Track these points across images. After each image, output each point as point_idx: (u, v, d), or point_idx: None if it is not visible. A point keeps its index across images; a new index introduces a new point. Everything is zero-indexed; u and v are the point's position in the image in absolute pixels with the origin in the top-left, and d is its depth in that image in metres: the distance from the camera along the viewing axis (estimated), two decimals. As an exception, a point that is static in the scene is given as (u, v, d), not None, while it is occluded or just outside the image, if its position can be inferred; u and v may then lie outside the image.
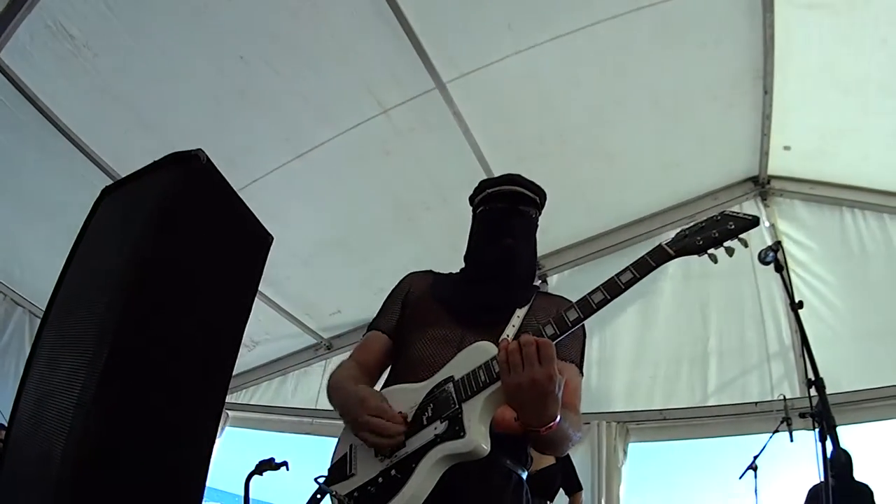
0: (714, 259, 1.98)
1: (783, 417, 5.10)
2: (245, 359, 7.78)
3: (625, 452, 6.26)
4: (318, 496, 2.13)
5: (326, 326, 7.69)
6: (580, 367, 2.29)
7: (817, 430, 2.29)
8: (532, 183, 2.45)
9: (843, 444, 5.23)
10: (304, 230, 6.17)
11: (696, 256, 1.99)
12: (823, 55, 5.28)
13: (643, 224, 6.90)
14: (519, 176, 2.46)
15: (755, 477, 5.04)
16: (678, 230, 2.04)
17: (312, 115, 5.30)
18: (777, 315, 6.31)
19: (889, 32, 4.88)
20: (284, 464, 3.01)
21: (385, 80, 5.11)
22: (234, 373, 7.94)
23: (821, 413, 2.30)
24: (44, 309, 3.01)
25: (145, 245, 2.64)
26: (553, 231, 6.79)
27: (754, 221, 1.97)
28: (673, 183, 6.64)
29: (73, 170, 5.08)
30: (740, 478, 5.09)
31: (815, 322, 5.74)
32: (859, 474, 5.37)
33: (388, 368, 2.40)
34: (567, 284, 6.66)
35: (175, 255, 2.70)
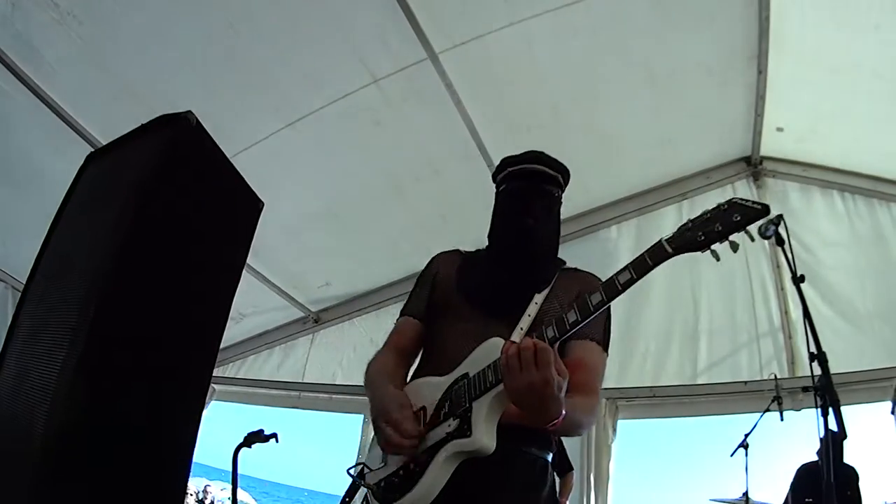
0: (716, 256, 1.85)
1: (774, 396, 5.11)
2: (232, 332, 7.73)
3: (614, 429, 6.26)
4: (356, 484, 2.31)
5: (314, 299, 7.66)
6: (604, 343, 2.31)
7: (820, 404, 2.25)
8: (554, 160, 2.47)
9: (832, 425, 5.28)
10: (292, 201, 6.10)
11: (698, 253, 1.87)
12: (818, 37, 5.27)
13: (635, 200, 6.90)
14: (542, 153, 2.47)
15: (746, 455, 5.05)
16: (682, 223, 1.90)
17: (302, 83, 5.23)
18: (767, 295, 6.32)
19: (882, 18, 4.86)
20: (274, 436, 2.99)
21: (376, 49, 5.03)
22: (222, 346, 7.90)
23: (824, 388, 2.26)
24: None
25: (132, 210, 2.58)
26: (545, 207, 6.73)
27: (763, 211, 1.79)
28: (666, 160, 6.62)
29: (58, 141, 4.99)
30: (731, 455, 5.10)
31: (804, 303, 5.78)
32: (846, 455, 5.41)
33: (425, 349, 2.50)
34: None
35: (163, 220, 2.66)
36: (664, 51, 5.40)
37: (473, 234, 6.99)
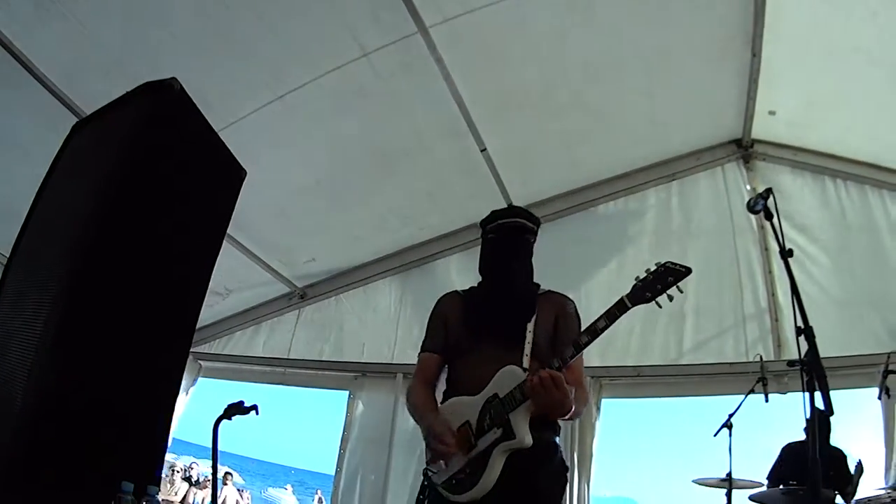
0: (659, 305, 2.78)
1: (759, 377, 5.10)
2: (218, 308, 7.71)
3: (598, 408, 6.26)
4: (426, 483, 3.06)
5: (301, 275, 7.60)
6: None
7: (806, 380, 2.22)
8: (532, 215, 3.29)
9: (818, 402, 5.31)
10: (280, 175, 6.06)
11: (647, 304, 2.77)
12: (814, 22, 5.24)
13: (625, 179, 6.89)
14: (522, 209, 3.34)
15: (730, 435, 5.04)
16: (636, 278, 2.82)
17: (291, 57, 5.17)
18: (754, 278, 6.33)
19: (880, 5, 4.85)
20: (254, 407, 2.95)
21: (367, 22, 4.96)
22: (207, 322, 7.86)
23: (811, 363, 2.23)
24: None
25: (111, 179, 2.58)
26: (534, 183, 6.79)
27: (687, 272, 2.73)
28: (657, 140, 6.61)
29: (47, 116, 4.88)
30: (715, 435, 5.09)
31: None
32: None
33: (449, 376, 3.24)
34: (547, 237, 6.35)
35: (144, 188, 2.64)
36: (658, 30, 5.36)
37: (460, 210, 6.98)
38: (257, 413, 2.89)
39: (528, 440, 2.79)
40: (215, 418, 3.00)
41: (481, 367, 2.98)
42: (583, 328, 2.92)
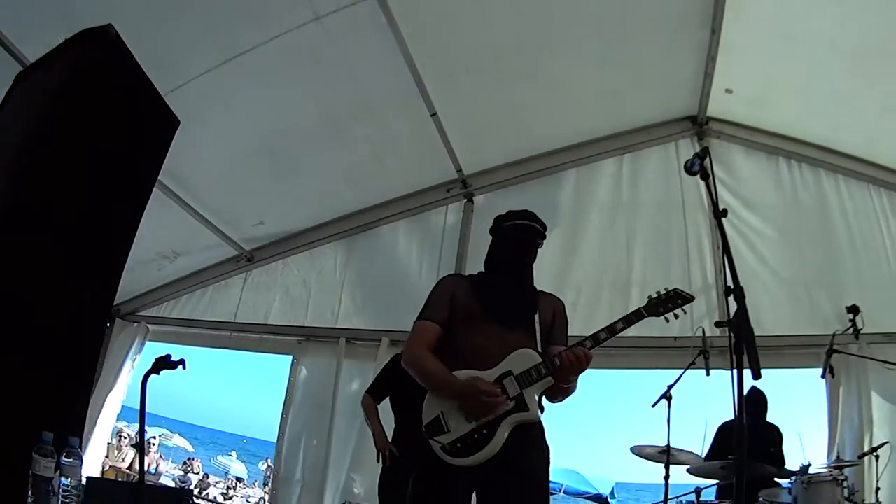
0: (667, 319, 3.27)
1: (700, 350, 5.12)
2: (166, 271, 7.64)
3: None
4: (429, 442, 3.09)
5: (248, 238, 7.50)
6: (567, 344, 3.33)
7: (734, 341, 2.20)
8: (543, 221, 3.52)
9: (760, 386, 5.34)
10: (229, 137, 5.96)
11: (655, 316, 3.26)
12: (777, 3, 5.27)
13: (575, 151, 6.88)
14: (536, 215, 3.52)
15: (668, 407, 5.04)
16: (648, 296, 3.29)
17: (245, 18, 5.06)
18: (703, 253, 6.40)
19: (844, -6, 4.88)
20: (182, 362, 2.92)
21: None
22: (155, 285, 7.70)
23: (739, 324, 2.21)
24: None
25: (41, 127, 2.58)
26: (482, 150, 6.77)
27: (691, 299, 3.28)
28: (609, 113, 6.62)
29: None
30: (653, 406, 5.09)
31: (740, 265, 5.79)
32: (771, 417, 5.50)
33: (447, 349, 3.27)
34: (492, 205, 6.49)
35: (74, 134, 2.62)
36: (615, 4, 5.39)
37: (408, 176, 6.94)
38: (184, 368, 2.87)
39: (538, 414, 3.09)
40: (144, 373, 2.96)
41: (486, 340, 3.19)
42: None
